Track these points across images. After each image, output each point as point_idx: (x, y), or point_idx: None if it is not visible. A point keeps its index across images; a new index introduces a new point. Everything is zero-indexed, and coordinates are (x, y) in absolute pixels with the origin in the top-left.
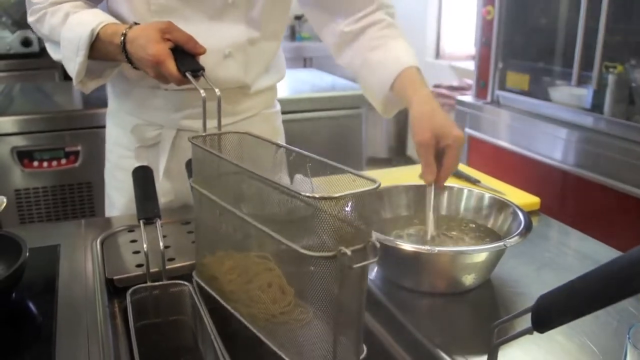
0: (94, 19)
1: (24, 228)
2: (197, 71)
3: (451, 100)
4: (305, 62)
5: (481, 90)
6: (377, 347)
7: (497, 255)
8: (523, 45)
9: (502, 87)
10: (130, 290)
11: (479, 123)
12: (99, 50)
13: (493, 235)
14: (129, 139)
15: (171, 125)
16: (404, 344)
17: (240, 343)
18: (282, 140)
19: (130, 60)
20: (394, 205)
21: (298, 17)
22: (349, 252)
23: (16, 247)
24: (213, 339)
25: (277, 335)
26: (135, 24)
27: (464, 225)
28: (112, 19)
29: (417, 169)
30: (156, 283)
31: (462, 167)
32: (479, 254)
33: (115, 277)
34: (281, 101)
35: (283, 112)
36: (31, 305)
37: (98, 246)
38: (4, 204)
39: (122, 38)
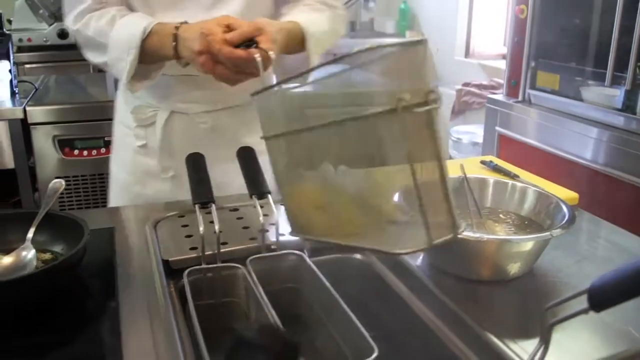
0: (145, 19)
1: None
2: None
3: (481, 98)
4: (335, 57)
5: (512, 88)
6: (427, 332)
7: (542, 245)
8: (555, 45)
9: (533, 86)
10: (187, 271)
11: (510, 121)
12: (149, 47)
13: (536, 226)
14: (129, 119)
15: (166, 107)
16: (453, 328)
17: (295, 324)
18: None
19: (177, 54)
20: None
21: None
22: (407, 96)
23: (76, 227)
24: (271, 319)
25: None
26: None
27: (508, 216)
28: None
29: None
30: (211, 265)
31: (501, 162)
32: (526, 242)
33: (171, 259)
34: None
35: None
36: (93, 284)
37: (151, 230)
38: (63, 187)
39: (176, 30)
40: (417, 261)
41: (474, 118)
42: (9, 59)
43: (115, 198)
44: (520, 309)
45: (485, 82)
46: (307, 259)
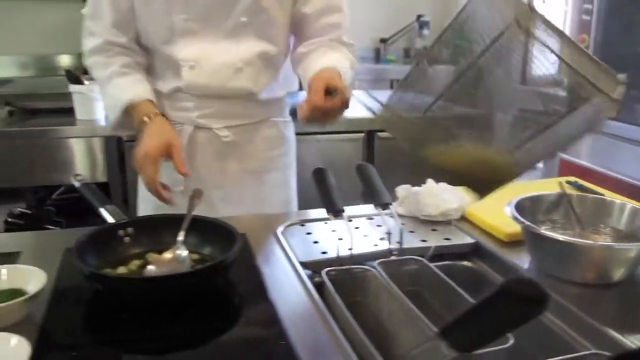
0: (132, 91)
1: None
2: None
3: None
4: (392, 83)
5: None
6: (544, 328)
7: None
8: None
9: None
10: (325, 271)
11: None
12: (129, 115)
13: (633, 239)
14: None
15: (189, 123)
16: (570, 324)
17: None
18: (292, 152)
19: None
20: (542, 209)
21: (383, 40)
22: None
23: (221, 231)
24: (416, 313)
25: None
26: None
27: (607, 229)
28: (147, 93)
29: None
30: (346, 266)
31: (585, 183)
32: (631, 249)
33: (307, 261)
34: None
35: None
36: (240, 283)
37: (282, 236)
38: (203, 194)
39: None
40: (525, 265)
41: None
42: None
43: (144, 207)
44: (630, 306)
45: (541, 109)
46: (430, 264)
